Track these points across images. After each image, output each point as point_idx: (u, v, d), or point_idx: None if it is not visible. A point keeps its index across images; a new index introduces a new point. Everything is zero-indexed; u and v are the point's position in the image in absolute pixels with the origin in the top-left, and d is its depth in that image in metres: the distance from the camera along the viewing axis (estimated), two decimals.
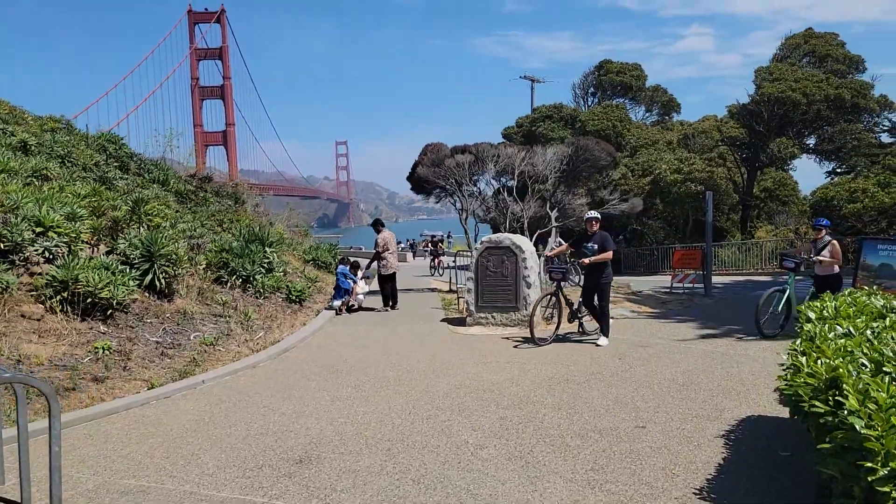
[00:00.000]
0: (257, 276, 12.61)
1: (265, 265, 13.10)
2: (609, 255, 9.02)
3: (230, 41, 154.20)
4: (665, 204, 27.17)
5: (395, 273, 13.66)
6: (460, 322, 11.63)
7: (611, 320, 9.68)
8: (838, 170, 30.64)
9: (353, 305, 13.59)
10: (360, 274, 13.80)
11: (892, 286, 7.76)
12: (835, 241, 9.13)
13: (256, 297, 12.34)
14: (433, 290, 17.61)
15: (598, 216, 9.53)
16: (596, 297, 9.41)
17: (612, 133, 28.64)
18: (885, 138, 27.39)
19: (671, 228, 31.10)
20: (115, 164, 17.14)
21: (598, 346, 9.20)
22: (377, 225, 13.66)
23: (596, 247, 9.08)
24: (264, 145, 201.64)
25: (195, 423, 5.96)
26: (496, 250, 11.36)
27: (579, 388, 6.83)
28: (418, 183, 16.56)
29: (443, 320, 12.16)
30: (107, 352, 7.57)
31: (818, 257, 9.10)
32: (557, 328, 9.87)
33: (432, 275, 23.85)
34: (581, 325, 10.05)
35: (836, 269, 9.14)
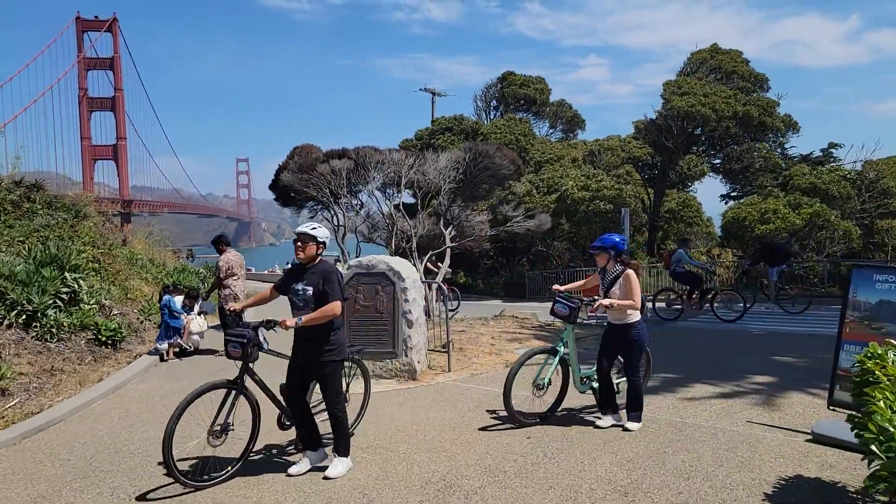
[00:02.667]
0: (49, 312, 9.22)
1: (63, 296, 9.70)
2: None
3: (122, 52, 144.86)
4: (572, 223, 25.33)
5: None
6: None
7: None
8: (736, 191, 30.07)
9: (187, 348, 10.38)
10: (196, 307, 10.60)
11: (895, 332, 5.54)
12: (630, 272, 5.79)
13: (44, 340, 8.96)
14: None
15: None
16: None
17: (516, 147, 26.60)
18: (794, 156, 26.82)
19: (578, 250, 29.38)
20: None
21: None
22: (219, 244, 10.53)
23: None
24: (160, 161, 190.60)
25: None
26: (368, 277, 8.55)
27: None
28: (284, 193, 13.51)
29: None
30: None
31: (603, 302, 5.74)
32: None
33: None
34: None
35: (635, 316, 5.85)
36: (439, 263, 14.79)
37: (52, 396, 7.55)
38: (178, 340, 9.99)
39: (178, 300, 10.35)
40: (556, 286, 6.45)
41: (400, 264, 8.69)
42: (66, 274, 9.79)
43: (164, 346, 9.88)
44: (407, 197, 16.41)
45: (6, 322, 8.92)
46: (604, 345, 6.03)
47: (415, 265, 12.75)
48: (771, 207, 20.66)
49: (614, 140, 29.96)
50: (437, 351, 9.32)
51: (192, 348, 10.48)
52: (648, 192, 28.10)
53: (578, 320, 7.11)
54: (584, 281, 6.69)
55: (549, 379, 6.07)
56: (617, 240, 5.99)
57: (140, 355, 9.98)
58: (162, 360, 9.88)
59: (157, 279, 19.93)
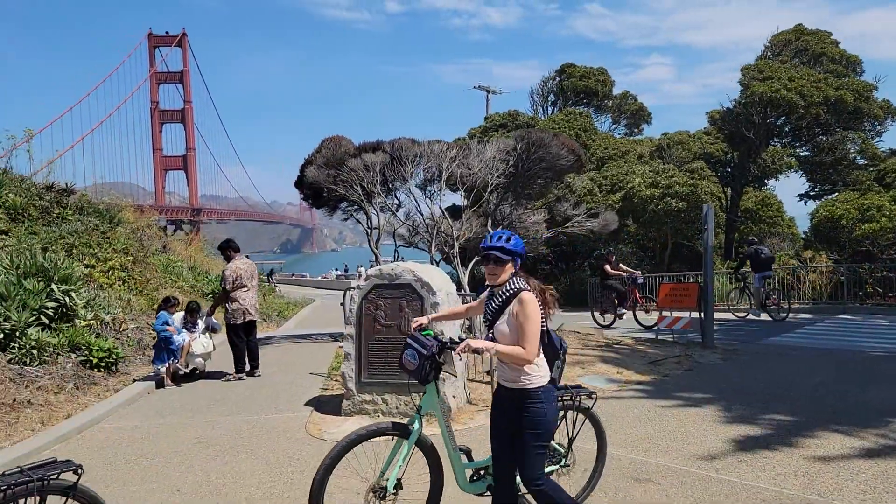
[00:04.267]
0: (29, 330, 7.91)
1: (49, 311, 8.38)
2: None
3: (191, 65, 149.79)
4: (639, 224, 23.06)
5: (254, 322, 9.00)
6: (336, 406, 7.04)
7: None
8: (818, 188, 27.11)
9: (194, 370, 8.94)
10: (200, 324, 9.12)
11: None
12: (527, 297, 3.30)
13: (22, 364, 7.64)
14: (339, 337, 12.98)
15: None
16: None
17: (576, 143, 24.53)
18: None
19: (645, 254, 27.00)
20: None
21: None
22: (227, 250, 9.02)
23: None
24: (227, 170, 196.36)
25: None
26: (390, 290, 6.86)
27: None
28: (312, 191, 11.96)
29: (312, 401, 7.56)
30: None
31: (472, 343, 3.35)
32: None
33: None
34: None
35: (536, 376, 3.38)
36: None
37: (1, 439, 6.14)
38: (175, 363, 8.51)
39: (179, 317, 8.90)
40: (417, 319, 3.89)
41: (429, 274, 6.95)
42: (54, 286, 8.46)
43: (163, 368, 8.43)
44: (452, 195, 14.69)
45: None
46: (493, 421, 3.63)
47: (457, 273, 10.98)
48: (875, 203, 17.93)
49: (684, 135, 27.46)
50: (478, 382, 7.53)
51: (200, 371, 9.02)
52: (725, 190, 25.52)
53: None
54: (468, 307, 4.11)
55: (397, 480, 3.60)
56: (511, 243, 3.43)
57: (136, 380, 8.58)
58: (160, 386, 8.43)
59: (193, 287, 18.85)
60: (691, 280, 17.82)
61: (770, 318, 13.94)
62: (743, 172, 25.27)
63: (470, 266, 11.50)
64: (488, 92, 38.21)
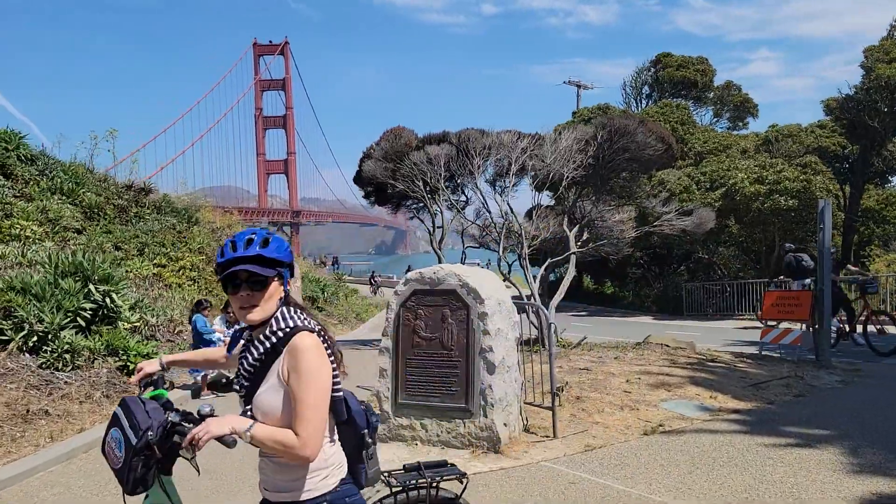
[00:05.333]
0: (63, 333, 7.50)
1: (86, 314, 7.97)
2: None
3: (293, 72, 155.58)
4: (742, 224, 20.95)
5: None
6: None
7: (659, 433, 2.97)
8: None
9: (220, 381, 8.32)
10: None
11: None
12: (304, 341, 1.96)
13: (53, 369, 7.23)
14: None
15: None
16: None
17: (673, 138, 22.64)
18: None
19: (749, 257, 24.71)
20: None
21: None
22: None
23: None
24: (325, 173, 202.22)
25: None
26: (431, 297, 5.89)
27: None
28: (373, 187, 11.15)
29: None
30: None
31: (225, 429, 1.87)
32: None
33: None
34: None
35: (320, 481, 2.02)
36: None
37: None
38: (211, 373, 7.87)
39: (219, 319, 8.29)
40: (142, 365, 2.44)
41: (478, 278, 5.92)
42: (91, 286, 8.04)
43: (199, 377, 7.83)
44: (527, 192, 13.57)
45: (13, 346, 7.30)
46: None
47: (525, 276, 9.86)
48: None
49: (794, 127, 24.90)
50: (538, 406, 6.41)
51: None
52: (842, 188, 22.89)
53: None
54: (223, 352, 2.48)
55: None
56: (287, 245, 2.10)
57: (175, 387, 8.03)
58: (195, 396, 7.84)
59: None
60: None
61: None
62: (864, 167, 22.58)
63: (541, 270, 10.35)
64: (579, 87, 36.60)
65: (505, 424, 5.70)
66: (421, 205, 11.84)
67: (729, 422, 6.43)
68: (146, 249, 13.83)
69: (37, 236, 11.09)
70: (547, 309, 10.08)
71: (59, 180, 13.74)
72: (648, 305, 24.22)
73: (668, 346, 10.69)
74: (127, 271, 12.25)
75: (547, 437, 5.96)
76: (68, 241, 11.90)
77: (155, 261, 13.64)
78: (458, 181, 11.11)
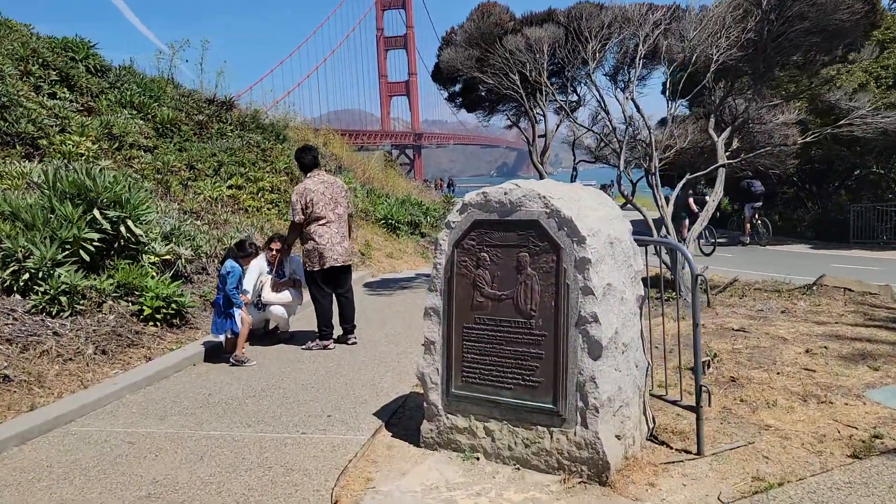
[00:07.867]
0: (59, 270, 6.09)
1: (91, 247, 6.48)
2: None
3: None
4: None
5: (343, 269, 6.31)
6: (413, 431, 4.12)
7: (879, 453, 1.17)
8: None
9: (276, 328, 6.67)
10: (287, 266, 6.67)
11: None
12: None
13: (45, 314, 5.83)
14: None
15: None
16: None
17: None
18: None
19: None
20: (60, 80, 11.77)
21: None
22: (303, 156, 6.36)
23: None
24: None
25: None
26: (502, 232, 3.70)
27: None
28: (452, 84, 8.84)
29: (396, 404, 4.75)
30: None
31: None
32: None
33: None
34: None
35: None
36: (707, 198, 9.10)
37: None
38: (229, 332, 6.05)
39: (256, 266, 6.43)
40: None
41: (577, 202, 3.66)
42: (96, 212, 6.50)
43: (222, 336, 6.12)
44: (654, 91, 10.78)
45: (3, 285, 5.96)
46: None
47: (654, 197, 7.33)
48: None
49: None
50: (670, 403, 4.14)
51: (279, 331, 6.70)
52: None
53: None
54: None
55: None
56: None
57: (194, 342, 6.43)
58: (208, 359, 6.13)
59: (365, 216, 16.95)
60: None
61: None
62: None
63: (676, 189, 7.77)
64: None
65: (618, 437, 3.53)
66: (522, 109, 9.41)
67: None
68: (222, 169, 12.46)
69: (91, 154, 9.81)
70: (685, 244, 7.56)
71: (128, 93, 12.51)
72: (803, 231, 20.48)
73: (851, 290, 7.89)
74: (197, 192, 10.95)
75: (686, 452, 3.75)
76: (132, 159, 10.64)
77: (230, 182, 12.25)
78: (568, 74, 8.56)
